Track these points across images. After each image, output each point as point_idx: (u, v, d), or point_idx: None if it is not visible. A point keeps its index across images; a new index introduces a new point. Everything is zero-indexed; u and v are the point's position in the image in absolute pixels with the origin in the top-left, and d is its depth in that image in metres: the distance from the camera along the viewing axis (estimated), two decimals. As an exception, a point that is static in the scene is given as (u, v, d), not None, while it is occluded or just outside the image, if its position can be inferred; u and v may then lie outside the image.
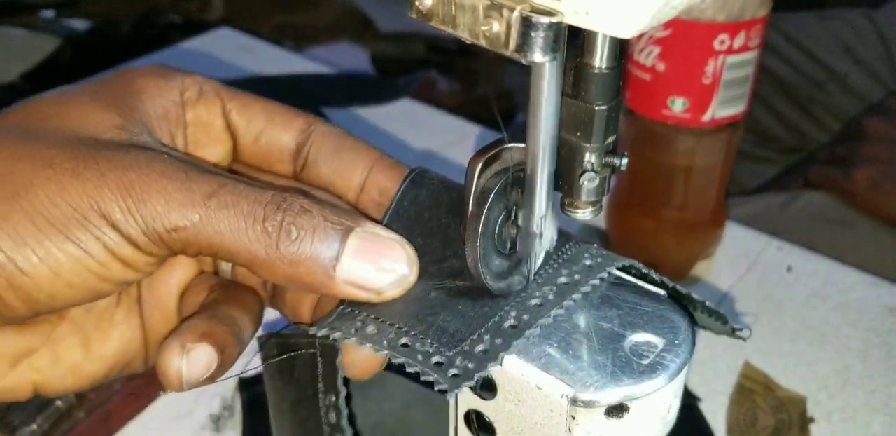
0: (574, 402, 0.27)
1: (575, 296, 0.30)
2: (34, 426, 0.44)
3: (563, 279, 0.30)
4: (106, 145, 0.27)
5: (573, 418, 0.28)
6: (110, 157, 0.26)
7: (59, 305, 0.27)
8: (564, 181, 0.29)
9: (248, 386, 0.52)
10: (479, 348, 0.28)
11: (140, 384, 0.49)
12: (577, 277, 0.30)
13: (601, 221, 0.62)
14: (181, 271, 0.33)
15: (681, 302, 0.31)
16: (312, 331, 0.28)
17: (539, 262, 0.30)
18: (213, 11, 1.27)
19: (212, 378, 0.28)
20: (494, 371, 0.29)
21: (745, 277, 0.62)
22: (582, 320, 0.30)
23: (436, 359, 0.27)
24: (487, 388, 0.30)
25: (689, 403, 0.52)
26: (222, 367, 0.29)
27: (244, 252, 0.26)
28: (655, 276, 0.32)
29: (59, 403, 0.45)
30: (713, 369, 0.54)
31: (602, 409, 0.28)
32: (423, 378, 0.27)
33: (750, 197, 0.85)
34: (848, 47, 0.98)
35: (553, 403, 0.28)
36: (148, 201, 0.26)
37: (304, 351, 0.28)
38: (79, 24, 1.14)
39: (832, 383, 0.54)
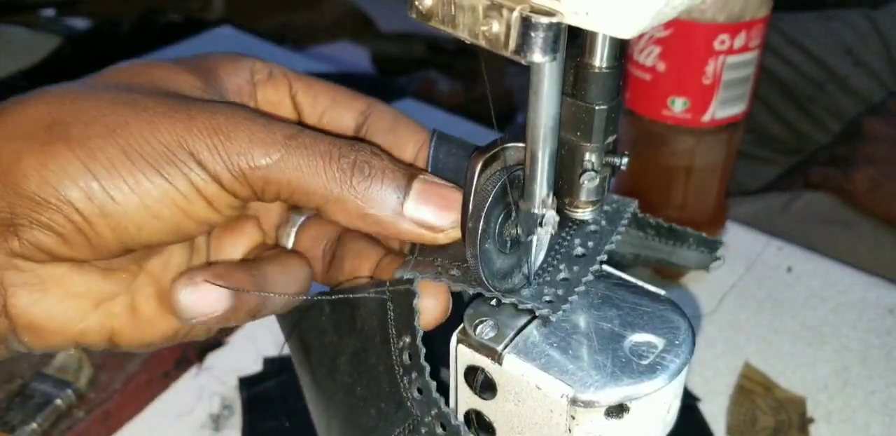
0: (574, 402, 0.27)
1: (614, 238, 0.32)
2: (34, 425, 0.44)
3: (592, 228, 0.32)
4: (192, 98, 0.30)
5: (573, 418, 0.28)
6: (198, 104, 0.29)
7: (144, 239, 0.28)
8: (564, 181, 0.29)
9: (248, 385, 0.53)
10: (560, 276, 0.30)
11: (140, 385, 0.49)
12: (603, 223, 0.32)
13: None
14: (246, 239, 0.35)
15: (674, 238, 0.34)
16: (398, 274, 0.30)
17: (541, 256, 0.30)
18: (214, 11, 1.27)
19: (224, 319, 0.29)
20: (494, 371, 0.29)
21: (745, 277, 0.62)
22: (582, 321, 0.30)
23: (525, 292, 0.30)
24: (487, 388, 0.30)
25: (689, 403, 0.52)
26: (236, 312, 0.29)
27: (320, 189, 0.28)
28: (651, 220, 0.34)
29: (58, 402, 0.46)
30: (713, 369, 0.54)
31: (602, 409, 0.28)
32: (520, 308, 0.29)
33: (750, 197, 0.85)
34: (848, 48, 0.98)
35: (553, 403, 0.28)
36: (233, 140, 0.28)
37: (373, 299, 0.30)
38: (79, 23, 1.14)
39: (832, 384, 0.54)
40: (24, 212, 0.27)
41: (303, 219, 0.35)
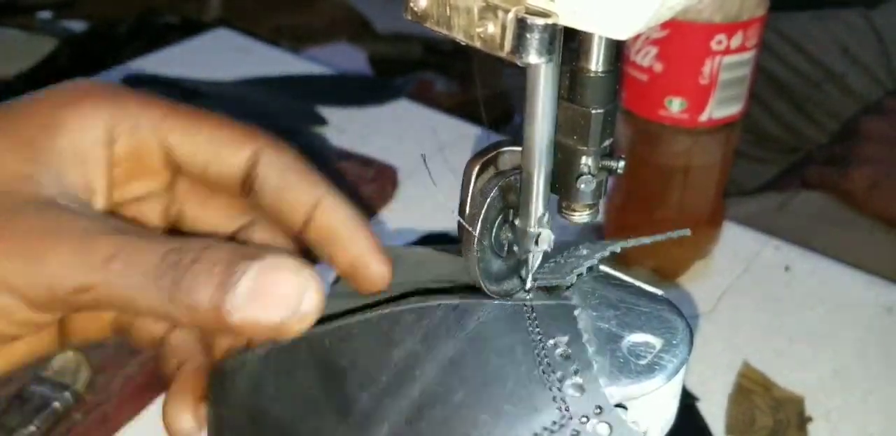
0: (571, 403, 0.27)
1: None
2: (32, 428, 0.44)
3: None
4: (4, 204, 0.27)
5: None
6: (9, 219, 0.26)
7: None
8: (561, 184, 0.29)
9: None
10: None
11: (139, 387, 0.49)
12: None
13: (600, 219, 0.62)
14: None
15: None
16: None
17: (537, 264, 0.30)
18: (211, 12, 1.27)
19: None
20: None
21: (743, 276, 0.62)
22: (581, 321, 0.30)
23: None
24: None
25: (688, 403, 0.52)
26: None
27: (144, 308, 0.27)
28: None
29: (56, 404, 0.45)
30: (711, 368, 0.54)
31: (599, 410, 0.28)
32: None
33: (748, 197, 0.85)
34: (845, 47, 0.98)
35: (550, 404, 0.28)
36: (46, 267, 0.26)
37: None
38: (76, 24, 1.14)
39: (830, 383, 0.54)
40: None
41: None
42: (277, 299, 0.26)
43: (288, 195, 0.31)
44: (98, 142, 0.29)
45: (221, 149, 0.31)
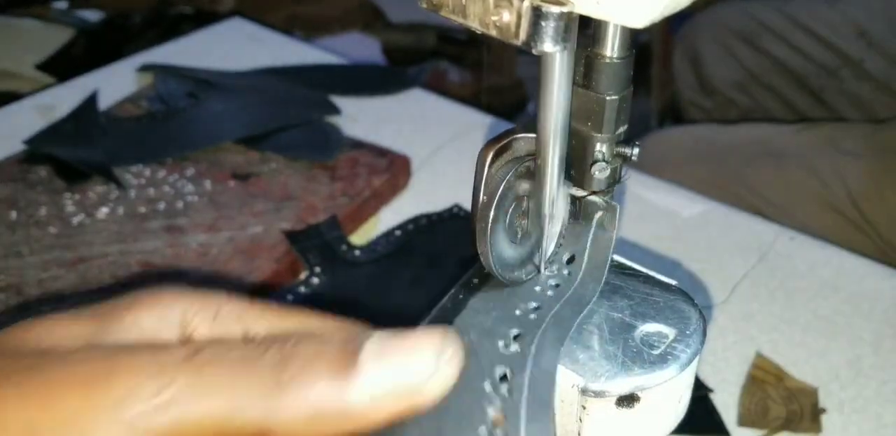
0: (585, 392, 0.28)
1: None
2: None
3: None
4: (63, 352, 0.23)
5: (584, 407, 0.28)
6: (62, 357, 0.23)
7: None
8: (576, 171, 0.29)
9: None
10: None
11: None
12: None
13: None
14: None
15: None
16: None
17: (552, 247, 0.30)
18: (225, 2, 1.27)
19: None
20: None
21: (758, 267, 0.61)
22: (593, 311, 0.30)
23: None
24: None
25: (701, 393, 0.52)
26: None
27: (253, 407, 0.22)
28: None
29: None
30: (724, 359, 0.54)
31: (613, 399, 0.28)
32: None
33: None
34: (861, 30, 0.96)
35: (564, 392, 0.28)
36: (113, 382, 0.21)
37: None
38: (91, 15, 1.14)
39: (844, 374, 0.53)
40: None
41: None
42: (411, 357, 0.22)
43: None
44: (173, 324, 0.26)
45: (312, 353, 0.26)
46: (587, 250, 0.31)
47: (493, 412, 0.25)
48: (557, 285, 0.31)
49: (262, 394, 0.21)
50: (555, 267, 0.31)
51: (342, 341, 0.23)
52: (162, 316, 0.26)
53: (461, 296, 0.30)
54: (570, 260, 0.31)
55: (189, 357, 0.22)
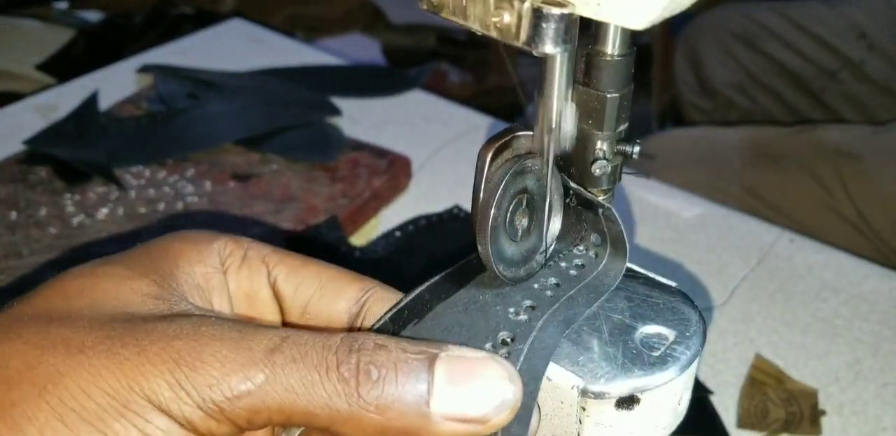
0: (584, 393, 0.27)
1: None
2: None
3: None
4: (143, 318, 0.25)
5: (583, 409, 0.28)
6: (150, 329, 0.24)
7: None
8: (576, 169, 0.28)
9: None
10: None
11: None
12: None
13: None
14: None
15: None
16: None
17: (553, 242, 0.30)
18: (225, 3, 1.27)
19: None
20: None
21: (757, 269, 0.61)
22: (593, 312, 0.30)
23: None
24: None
25: (700, 395, 0.52)
26: None
27: (323, 409, 0.23)
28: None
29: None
30: (724, 361, 0.54)
31: (612, 400, 0.28)
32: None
33: None
34: (862, 32, 0.96)
35: (563, 394, 0.28)
36: (201, 368, 0.23)
37: None
38: (91, 15, 1.14)
39: (844, 376, 0.53)
40: None
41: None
42: (482, 387, 0.23)
43: None
44: (216, 269, 0.28)
45: (327, 282, 0.30)
46: (608, 236, 0.31)
47: (506, 333, 0.27)
48: (574, 271, 0.31)
49: (337, 401, 0.23)
50: (582, 246, 0.32)
51: (417, 353, 0.24)
52: (206, 262, 0.28)
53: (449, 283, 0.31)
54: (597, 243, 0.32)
55: (271, 352, 0.23)
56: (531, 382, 0.26)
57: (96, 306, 0.25)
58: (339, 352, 0.23)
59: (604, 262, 0.31)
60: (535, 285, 0.30)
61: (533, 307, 0.29)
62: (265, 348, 0.23)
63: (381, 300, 0.29)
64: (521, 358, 0.27)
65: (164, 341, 0.23)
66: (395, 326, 0.28)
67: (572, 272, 0.31)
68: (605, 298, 0.30)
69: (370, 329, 0.28)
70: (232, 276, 0.29)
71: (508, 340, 0.28)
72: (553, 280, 0.31)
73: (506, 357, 0.26)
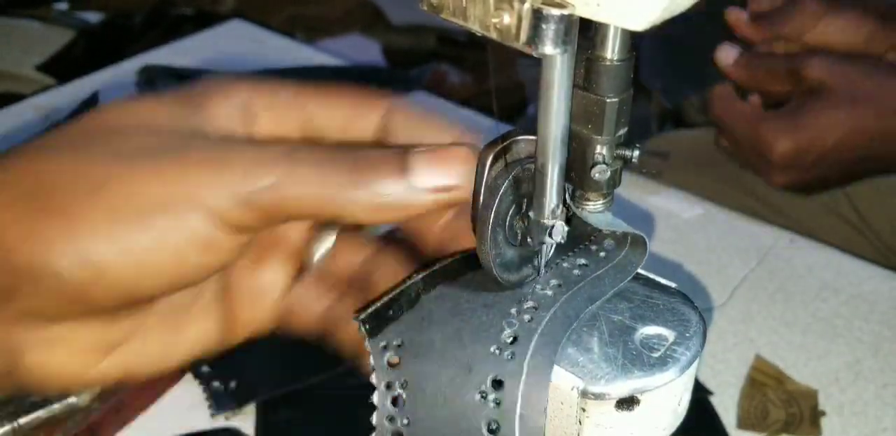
0: (584, 394, 0.28)
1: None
2: (42, 414, 0.45)
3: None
4: (180, 135, 0.28)
5: (583, 410, 0.28)
6: (186, 142, 0.28)
7: (145, 294, 0.28)
8: (576, 174, 0.29)
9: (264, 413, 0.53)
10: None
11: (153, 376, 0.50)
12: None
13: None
14: (280, 271, 0.32)
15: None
16: None
17: (551, 253, 0.30)
18: (225, 3, 1.27)
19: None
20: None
21: (757, 269, 0.61)
22: (592, 313, 0.30)
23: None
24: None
25: (700, 396, 0.52)
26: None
27: (332, 197, 0.27)
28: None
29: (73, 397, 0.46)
30: (724, 362, 0.54)
31: (612, 401, 0.28)
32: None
33: None
34: None
35: (563, 395, 0.28)
36: (231, 167, 0.27)
37: None
38: (92, 16, 1.14)
39: (844, 377, 0.53)
40: (15, 283, 0.26)
41: (329, 245, 0.34)
42: (446, 164, 0.29)
43: (429, 135, 0.32)
44: (240, 110, 0.31)
45: (356, 111, 0.33)
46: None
47: (508, 332, 0.28)
48: (585, 264, 0.32)
49: (341, 186, 0.27)
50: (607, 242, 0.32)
51: (398, 151, 0.28)
52: (233, 104, 0.31)
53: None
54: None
55: (288, 153, 0.27)
56: (547, 347, 0.27)
57: (139, 125, 0.29)
58: (338, 151, 0.28)
59: (625, 250, 0.32)
60: (566, 265, 0.31)
61: (560, 285, 0.30)
62: (283, 150, 0.27)
63: (402, 118, 0.32)
64: (542, 325, 0.28)
65: (199, 151, 0.27)
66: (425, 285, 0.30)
67: (601, 254, 0.32)
68: (629, 279, 0.31)
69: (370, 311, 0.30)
70: (261, 117, 0.32)
71: (532, 308, 0.29)
72: (581, 260, 0.31)
73: (528, 321, 0.28)
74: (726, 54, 0.70)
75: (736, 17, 0.72)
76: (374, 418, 0.29)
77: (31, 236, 0.26)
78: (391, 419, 0.29)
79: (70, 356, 0.29)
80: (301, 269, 0.33)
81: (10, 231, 0.26)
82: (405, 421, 0.28)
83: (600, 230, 0.32)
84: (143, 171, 0.26)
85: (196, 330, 0.33)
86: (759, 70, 0.69)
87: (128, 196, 0.26)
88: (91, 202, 0.26)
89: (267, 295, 0.33)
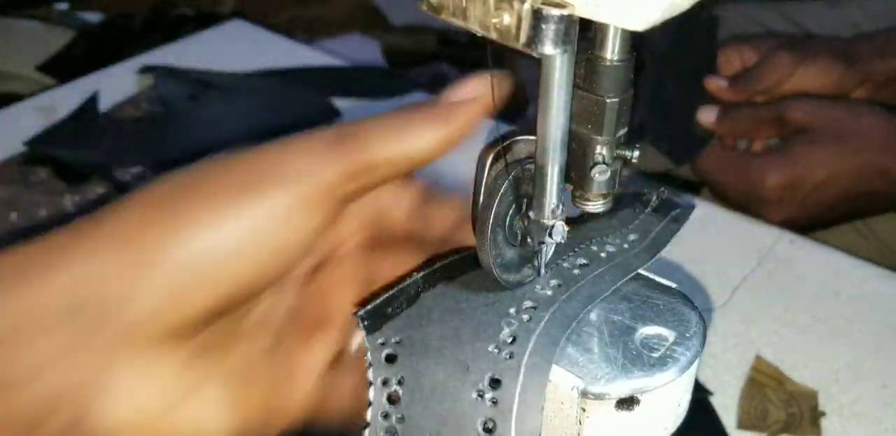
0: (584, 394, 0.28)
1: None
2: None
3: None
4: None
5: (583, 410, 0.28)
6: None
7: (239, 290, 0.28)
8: (575, 174, 0.29)
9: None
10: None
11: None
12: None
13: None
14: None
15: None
16: None
17: (550, 253, 0.30)
18: (226, 4, 1.28)
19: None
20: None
21: (757, 270, 0.61)
22: (593, 313, 0.30)
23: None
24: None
25: (700, 396, 0.52)
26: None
27: (403, 143, 0.31)
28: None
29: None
30: (724, 362, 0.54)
31: (612, 402, 0.28)
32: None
33: None
34: (860, 32, 0.96)
35: (563, 395, 0.28)
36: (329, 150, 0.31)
37: None
38: (92, 16, 1.14)
39: (844, 377, 0.53)
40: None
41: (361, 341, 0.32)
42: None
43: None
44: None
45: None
46: (654, 233, 0.33)
47: (507, 332, 0.28)
48: (585, 264, 0.32)
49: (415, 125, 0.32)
50: (617, 240, 0.32)
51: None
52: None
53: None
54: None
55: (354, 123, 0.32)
56: (547, 347, 0.28)
57: None
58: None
59: (638, 248, 0.32)
60: (566, 265, 0.31)
61: (559, 285, 0.30)
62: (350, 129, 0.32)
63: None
64: (541, 325, 0.28)
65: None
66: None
67: (602, 254, 0.32)
68: (629, 277, 0.31)
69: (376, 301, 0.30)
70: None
71: (532, 308, 0.29)
72: (582, 260, 0.31)
73: (527, 321, 0.29)
74: (707, 115, 0.74)
75: (716, 85, 0.75)
76: (369, 414, 0.29)
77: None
78: (385, 416, 0.29)
79: (148, 398, 0.27)
80: (340, 354, 0.32)
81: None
82: (400, 417, 0.28)
83: (646, 190, 0.33)
84: (229, 162, 0.30)
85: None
86: (742, 120, 0.73)
87: (237, 174, 0.29)
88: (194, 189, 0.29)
89: (312, 373, 0.31)
